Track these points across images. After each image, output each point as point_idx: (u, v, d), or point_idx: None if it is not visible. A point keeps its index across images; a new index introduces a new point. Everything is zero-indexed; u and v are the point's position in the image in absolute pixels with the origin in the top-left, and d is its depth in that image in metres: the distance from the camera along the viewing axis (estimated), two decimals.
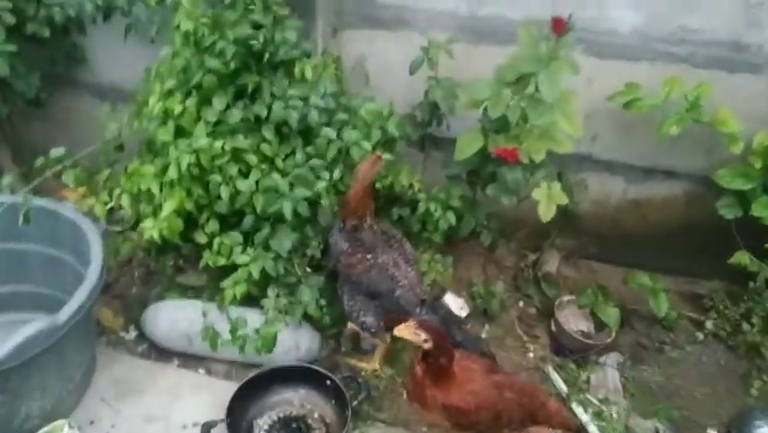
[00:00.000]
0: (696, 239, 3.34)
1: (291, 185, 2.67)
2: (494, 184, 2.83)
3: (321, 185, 2.65)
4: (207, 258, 2.76)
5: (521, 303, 3.38)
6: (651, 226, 3.42)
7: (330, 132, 2.70)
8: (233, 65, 2.62)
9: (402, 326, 2.08)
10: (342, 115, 2.73)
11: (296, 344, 2.77)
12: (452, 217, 2.97)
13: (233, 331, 2.62)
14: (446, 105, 2.91)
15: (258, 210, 2.65)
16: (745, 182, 3.00)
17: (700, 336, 3.23)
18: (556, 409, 2.33)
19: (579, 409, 2.86)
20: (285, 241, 2.70)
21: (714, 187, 3.13)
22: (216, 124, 2.68)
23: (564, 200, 2.75)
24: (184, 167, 2.55)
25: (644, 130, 3.09)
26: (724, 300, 3.28)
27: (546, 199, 2.74)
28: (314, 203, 2.74)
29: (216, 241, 2.75)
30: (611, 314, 3.04)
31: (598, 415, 2.87)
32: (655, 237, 3.43)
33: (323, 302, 2.75)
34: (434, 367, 2.12)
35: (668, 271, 3.48)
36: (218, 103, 2.66)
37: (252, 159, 2.69)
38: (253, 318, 2.75)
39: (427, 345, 2.09)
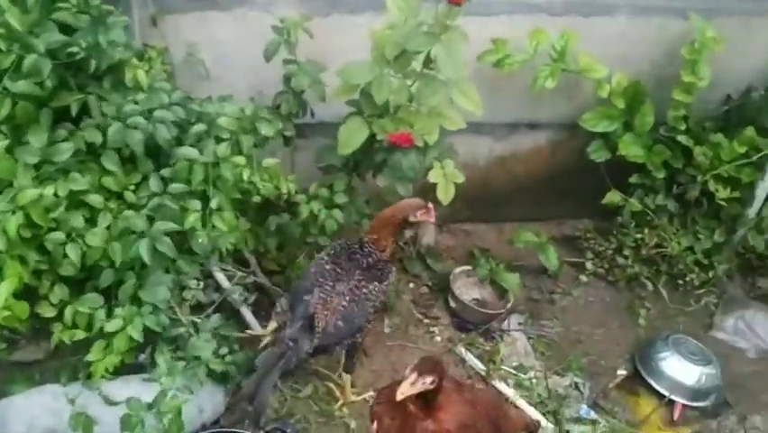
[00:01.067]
0: (563, 184, 3.37)
1: (150, 219, 2.17)
2: (386, 172, 2.54)
3: (192, 217, 2.17)
4: (60, 334, 2.17)
5: (411, 285, 3.19)
6: (519, 179, 3.38)
7: (190, 151, 2.19)
8: (49, 84, 2.00)
9: (403, 387, 1.83)
10: (199, 127, 2.23)
11: (198, 408, 2.30)
12: (339, 216, 2.64)
13: (125, 421, 2.08)
14: (315, 94, 2.52)
15: (116, 262, 2.11)
16: (610, 123, 3.04)
17: (584, 278, 3.30)
18: (517, 416, 2.20)
19: (502, 385, 2.77)
20: (159, 288, 2.20)
21: (577, 132, 3.15)
22: (40, 163, 2.04)
23: (461, 178, 2.56)
24: (12, 232, 1.92)
25: (508, 86, 2.97)
26: (596, 238, 3.37)
27: (444, 180, 2.52)
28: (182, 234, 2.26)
29: (69, 311, 2.16)
30: (511, 280, 2.98)
31: (519, 385, 2.81)
32: (523, 189, 3.41)
33: (224, 350, 2.30)
34: (428, 399, 1.91)
35: (538, 218, 3.51)
36: (36, 139, 2.02)
37: (96, 200, 2.11)
38: (135, 390, 2.23)
39: (434, 385, 1.87)
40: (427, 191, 2.63)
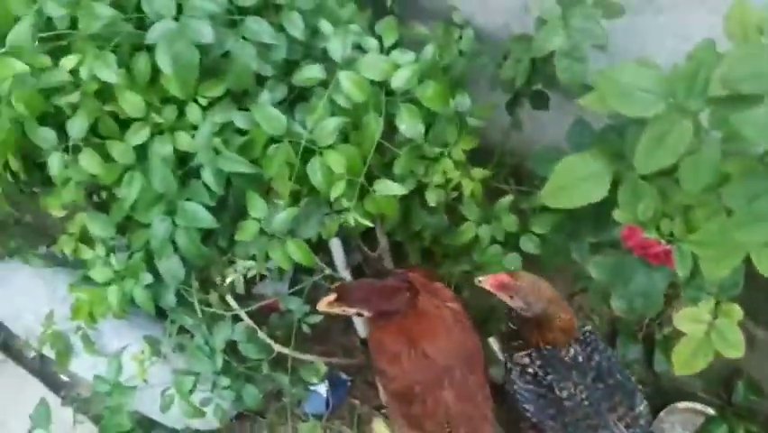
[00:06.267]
0: None
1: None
2: (606, 265, 1.37)
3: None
4: (65, 243, 1.61)
5: None
6: None
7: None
8: None
9: (323, 303, 1.46)
10: None
11: None
12: (512, 265, 1.59)
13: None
14: None
15: (127, 205, 1.41)
16: None
17: None
18: None
19: None
20: (173, 260, 1.46)
21: None
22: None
23: (738, 352, 1.28)
24: None
25: None
26: None
27: (696, 344, 1.28)
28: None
29: (79, 220, 1.57)
30: None
31: None
32: None
33: (224, 381, 1.56)
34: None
35: None
36: None
37: (134, 102, 1.34)
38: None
39: (368, 315, 1.52)
40: None
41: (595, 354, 1.50)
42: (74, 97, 1.32)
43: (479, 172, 1.57)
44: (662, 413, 1.90)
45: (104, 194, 1.61)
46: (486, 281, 1.45)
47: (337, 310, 1.49)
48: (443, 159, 1.52)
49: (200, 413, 1.55)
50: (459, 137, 1.53)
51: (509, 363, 1.56)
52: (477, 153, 1.62)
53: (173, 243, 1.44)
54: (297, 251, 1.36)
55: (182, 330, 1.65)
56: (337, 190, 1.26)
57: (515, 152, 1.85)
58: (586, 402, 1.46)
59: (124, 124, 1.41)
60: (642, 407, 1.53)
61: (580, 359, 1.48)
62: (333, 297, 1.46)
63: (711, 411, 1.90)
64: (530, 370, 1.52)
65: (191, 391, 1.52)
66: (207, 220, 1.35)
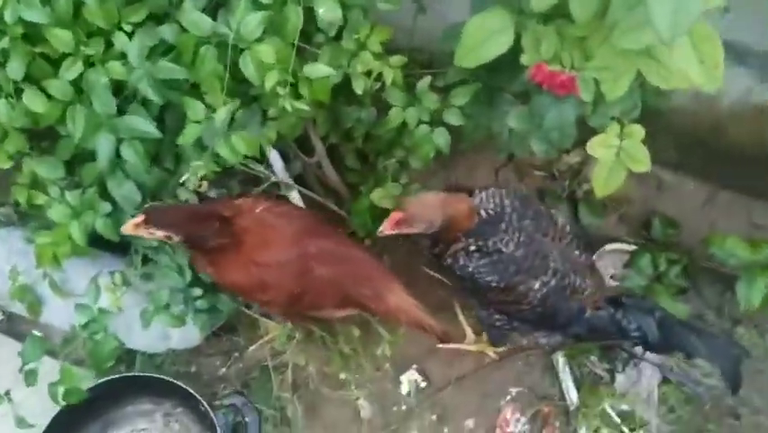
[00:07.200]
0: None
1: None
2: (519, 114, 1.54)
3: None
4: (18, 193, 1.65)
5: None
6: None
7: None
8: None
9: (129, 224, 1.45)
10: None
11: (162, 332, 1.76)
12: (442, 139, 1.73)
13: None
14: None
15: (77, 138, 1.46)
16: None
17: None
18: (396, 307, 1.65)
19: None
20: (126, 185, 1.54)
21: None
22: None
23: (646, 165, 1.48)
24: None
25: None
26: None
27: (610, 163, 1.47)
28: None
29: (27, 168, 1.61)
30: (678, 310, 1.96)
31: None
32: None
33: (197, 292, 1.67)
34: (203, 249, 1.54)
35: None
36: None
37: (62, 37, 1.39)
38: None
39: (177, 239, 1.50)
40: None
41: (505, 201, 1.64)
42: (4, 43, 1.36)
43: (396, 60, 1.69)
44: (593, 257, 2.11)
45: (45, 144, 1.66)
46: (385, 228, 1.54)
47: (144, 233, 1.47)
48: (362, 52, 1.63)
49: (180, 321, 1.64)
50: (371, 31, 1.64)
51: (449, 258, 1.65)
52: (390, 52, 1.74)
53: (122, 171, 1.52)
54: (242, 142, 1.45)
55: (145, 261, 1.73)
56: (271, 80, 1.36)
57: (423, 50, 1.97)
58: (528, 242, 1.61)
59: (56, 65, 1.46)
60: (561, 219, 1.71)
61: (492, 213, 1.62)
62: (140, 218, 1.45)
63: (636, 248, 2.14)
64: (471, 248, 1.62)
65: (167, 307, 1.61)
66: (150, 129, 1.43)
